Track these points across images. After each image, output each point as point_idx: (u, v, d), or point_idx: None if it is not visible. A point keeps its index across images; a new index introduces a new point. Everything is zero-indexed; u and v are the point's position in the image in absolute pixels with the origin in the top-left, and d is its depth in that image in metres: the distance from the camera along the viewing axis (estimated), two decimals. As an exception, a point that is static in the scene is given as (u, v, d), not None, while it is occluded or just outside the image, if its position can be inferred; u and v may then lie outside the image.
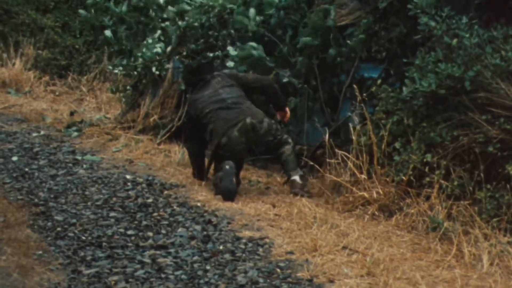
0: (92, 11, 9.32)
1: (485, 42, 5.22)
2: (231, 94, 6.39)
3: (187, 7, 8.30)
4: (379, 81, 6.12)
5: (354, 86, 6.21)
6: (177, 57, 8.11)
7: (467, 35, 5.23)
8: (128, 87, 9.18)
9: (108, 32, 9.01)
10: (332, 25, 6.71)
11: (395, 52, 6.34)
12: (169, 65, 8.25)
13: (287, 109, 6.64)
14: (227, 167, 5.93)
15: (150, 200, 5.66)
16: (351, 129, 5.92)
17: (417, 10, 5.67)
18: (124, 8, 9.05)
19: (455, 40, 5.28)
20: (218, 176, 6.04)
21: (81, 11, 9.96)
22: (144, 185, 6.13)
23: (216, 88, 6.45)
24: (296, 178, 6.08)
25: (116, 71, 8.98)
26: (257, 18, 7.34)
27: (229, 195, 5.81)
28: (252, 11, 7.40)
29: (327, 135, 6.18)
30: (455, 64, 5.18)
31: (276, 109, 6.73)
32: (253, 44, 7.04)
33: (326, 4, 6.93)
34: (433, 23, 5.47)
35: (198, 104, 6.43)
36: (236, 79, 6.58)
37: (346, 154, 5.82)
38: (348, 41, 6.63)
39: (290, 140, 6.28)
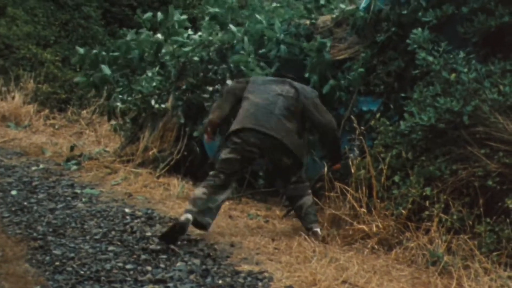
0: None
1: (483, 77, 5.26)
2: (283, 106, 5.94)
3: (185, 49, 8.34)
4: (378, 115, 6.14)
5: (353, 118, 6.23)
6: (176, 93, 8.17)
7: (465, 70, 5.27)
8: (127, 121, 9.22)
9: (106, 69, 9.04)
10: (328, 59, 6.74)
11: (393, 86, 6.38)
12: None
13: (339, 166, 6.24)
14: (219, 199, 5.66)
15: (149, 234, 5.63)
16: (350, 162, 5.92)
17: (415, 45, 5.73)
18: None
19: (453, 75, 5.32)
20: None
21: (78, 48, 10.06)
22: (143, 218, 6.11)
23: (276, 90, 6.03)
24: (318, 230, 5.81)
25: (117, 103, 9.01)
26: (251, 48, 7.41)
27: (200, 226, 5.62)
28: (246, 40, 7.45)
29: (326, 168, 6.18)
30: (454, 98, 5.21)
31: (328, 159, 6.36)
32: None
33: (324, 38, 6.99)
34: (430, 58, 5.52)
35: (250, 84, 6.12)
36: (303, 101, 5.97)
37: (345, 187, 5.82)
38: (348, 76, 6.66)
39: (309, 191, 6.00)
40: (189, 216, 5.44)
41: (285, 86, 6.05)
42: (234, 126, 5.89)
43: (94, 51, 9.40)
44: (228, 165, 5.76)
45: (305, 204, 5.92)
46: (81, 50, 9.64)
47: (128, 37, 9.22)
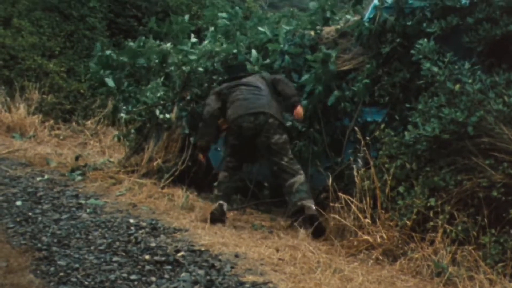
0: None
1: (487, 88, 5.25)
2: (265, 88, 6.72)
3: (192, 57, 8.37)
4: (382, 125, 6.14)
5: (356, 129, 6.23)
6: (181, 103, 8.18)
7: (470, 81, 5.27)
8: (132, 131, 9.23)
9: (110, 81, 9.09)
10: (333, 70, 6.75)
11: (398, 96, 6.37)
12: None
13: (299, 107, 6.63)
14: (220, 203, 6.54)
15: (153, 244, 5.63)
16: (355, 173, 5.92)
17: (419, 56, 5.73)
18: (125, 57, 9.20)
19: (457, 86, 5.32)
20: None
21: (97, 44, 10.12)
22: (147, 229, 6.11)
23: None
24: (311, 205, 6.16)
25: (122, 114, 9.03)
26: (260, 60, 7.42)
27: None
28: (254, 53, 7.47)
29: (330, 179, 6.17)
30: (458, 109, 5.21)
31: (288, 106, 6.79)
32: None
33: (329, 49, 6.99)
34: (435, 69, 5.52)
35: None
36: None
37: (350, 198, 5.81)
38: (353, 87, 6.66)
39: (301, 172, 6.35)
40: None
41: (255, 76, 6.92)
42: (230, 117, 6.67)
43: (108, 52, 9.45)
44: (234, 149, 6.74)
45: (296, 183, 6.28)
46: (99, 46, 9.69)
47: (135, 45, 9.27)
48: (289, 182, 6.29)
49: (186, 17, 9.87)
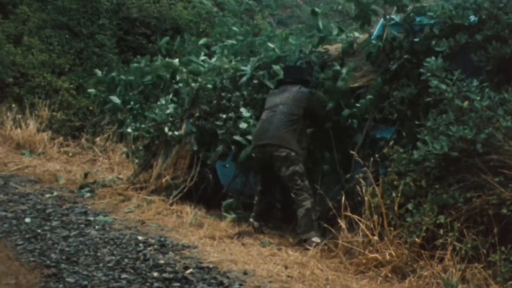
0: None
1: (496, 105, 5.24)
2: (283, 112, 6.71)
3: (201, 68, 8.41)
4: (391, 142, 6.12)
5: (354, 153, 6.23)
6: (189, 120, 8.20)
7: (478, 98, 5.26)
8: (141, 148, 9.26)
9: (115, 98, 9.17)
10: (341, 86, 6.75)
11: (406, 113, 6.35)
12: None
13: None
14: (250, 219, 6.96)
15: (162, 261, 5.63)
16: (363, 190, 5.90)
17: (428, 74, 5.72)
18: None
19: (466, 103, 5.31)
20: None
21: (97, 70, 10.21)
22: (156, 246, 6.11)
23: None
24: (312, 239, 6.27)
25: (129, 130, 9.07)
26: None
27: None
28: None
29: (340, 196, 6.16)
30: (467, 126, 5.19)
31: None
32: None
33: (337, 66, 6.99)
34: (444, 86, 5.52)
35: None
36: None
37: (359, 218, 5.79)
38: (357, 104, 6.65)
39: (304, 203, 6.42)
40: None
41: (284, 94, 6.83)
42: (251, 144, 6.98)
43: (112, 74, 9.53)
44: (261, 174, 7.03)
45: (299, 217, 6.45)
46: (99, 73, 9.79)
47: (142, 63, 9.32)
48: (297, 213, 6.51)
49: (203, 40, 9.93)
